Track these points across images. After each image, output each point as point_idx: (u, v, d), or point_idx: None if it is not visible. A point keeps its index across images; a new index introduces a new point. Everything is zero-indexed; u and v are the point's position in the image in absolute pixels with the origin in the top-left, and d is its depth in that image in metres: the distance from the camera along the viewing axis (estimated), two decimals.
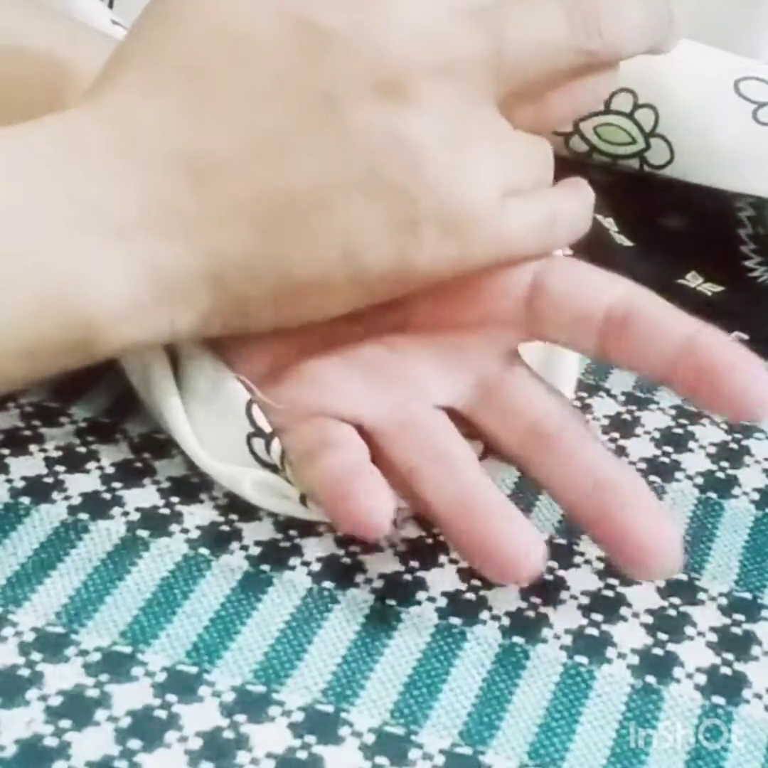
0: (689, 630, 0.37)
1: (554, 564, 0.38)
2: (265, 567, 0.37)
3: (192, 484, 0.39)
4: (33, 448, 0.40)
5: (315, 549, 0.38)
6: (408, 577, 0.37)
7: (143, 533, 0.38)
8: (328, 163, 0.36)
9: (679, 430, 0.44)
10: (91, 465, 0.39)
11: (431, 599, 0.37)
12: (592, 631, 0.36)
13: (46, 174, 0.35)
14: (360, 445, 0.37)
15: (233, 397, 0.38)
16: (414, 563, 0.38)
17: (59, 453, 0.40)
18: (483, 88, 0.36)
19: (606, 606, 0.37)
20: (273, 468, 0.37)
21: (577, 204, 0.39)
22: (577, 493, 0.36)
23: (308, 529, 0.38)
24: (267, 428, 0.37)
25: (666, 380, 0.37)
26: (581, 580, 0.38)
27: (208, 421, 0.38)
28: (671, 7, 0.39)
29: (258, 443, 0.37)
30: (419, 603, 0.37)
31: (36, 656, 0.34)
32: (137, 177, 0.35)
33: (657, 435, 0.44)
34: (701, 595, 0.38)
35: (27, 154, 0.35)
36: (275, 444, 0.37)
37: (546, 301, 0.38)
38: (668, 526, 0.35)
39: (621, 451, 0.43)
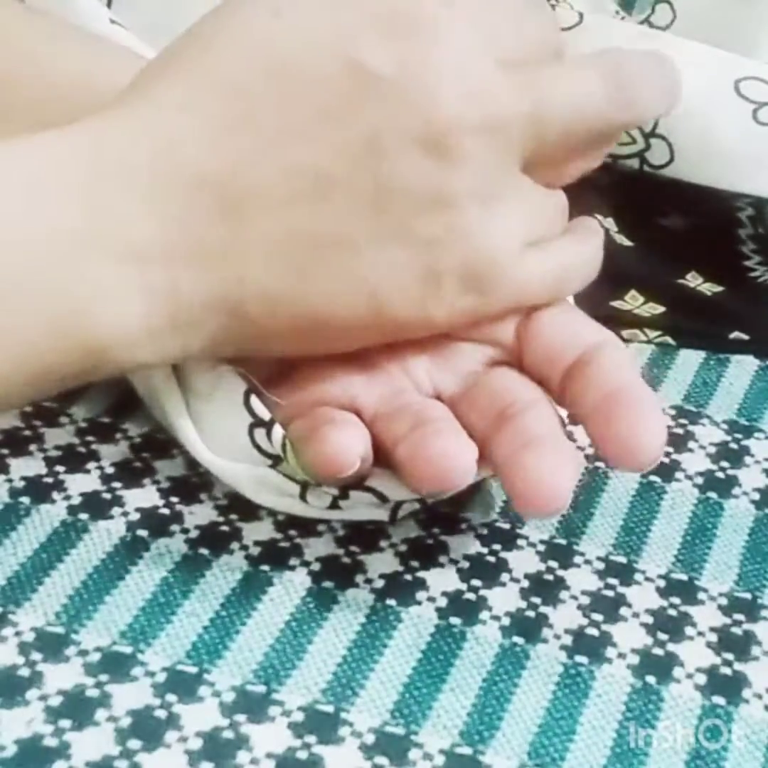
0: (689, 630, 0.37)
1: (554, 564, 0.38)
2: (265, 567, 0.37)
3: (192, 484, 0.39)
4: (33, 448, 0.40)
5: (315, 549, 0.38)
6: (408, 577, 0.37)
7: (143, 533, 0.38)
8: (364, 208, 0.35)
9: (680, 431, 0.44)
10: (91, 465, 0.39)
11: (431, 599, 0.37)
12: (592, 631, 0.36)
13: (65, 187, 0.34)
14: (362, 427, 0.37)
15: (232, 389, 0.38)
16: (414, 563, 0.38)
17: (59, 453, 0.40)
18: (518, 147, 0.37)
19: (606, 606, 0.37)
20: (275, 459, 0.37)
21: (587, 251, 0.40)
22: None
23: (308, 529, 0.38)
24: (266, 416, 0.37)
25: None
26: (581, 580, 0.38)
27: (210, 417, 0.38)
28: (678, 70, 0.40)
29: (259, 433, 0.37)
30: (419, 603, 0.37)
31: (36, 656, 0.34)
32: (162, 197, 0.35)
33: None
34: (701, 595, 0.38)
35: (46, 164, 0.34)
36: (277, 430, 0.37)
37: (530, 332, 0.38)
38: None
39: None
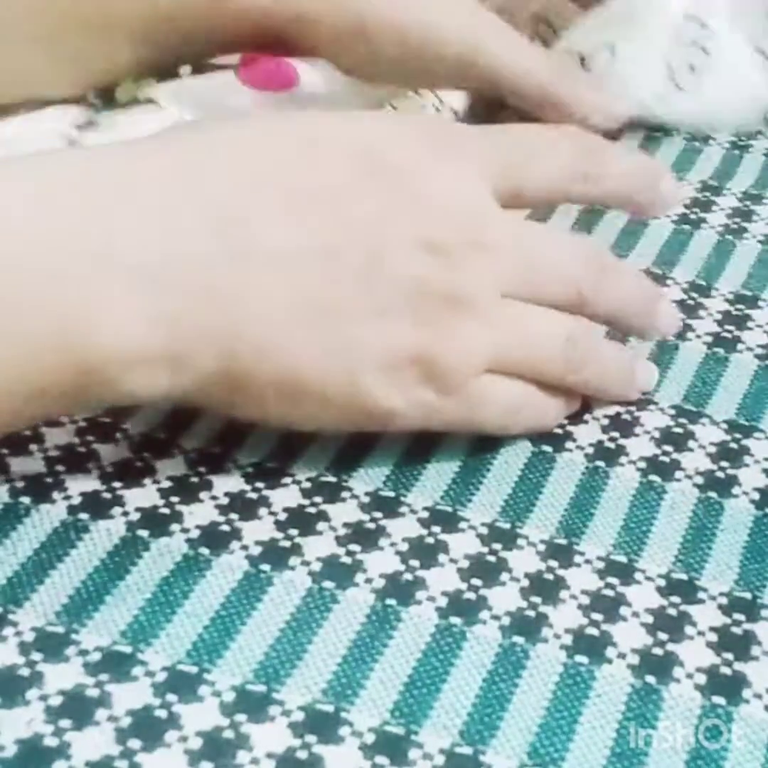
0: (689, 630, 0.37)
1: (554, 563, 0.38)
2: (265, 567, 0.37)
3: (192, 484, 0.39)
4: (33, 448, 0.40)
5: (315, 549, 0.38)
6: (408, 577, 0.37)
7: (143, 533, 0.38)
8: (359, 283, 0.38)
9: (679, 430, 0.44)
10: (91, 465, 0.39)
11: (431, 599, 0.37)
12: (592, 631, 0.36)
13: (87, 206, 0.35)
14: None
15: None
16: (414, 563, 0.38)
17: (59, 453, 0.40)
18: (508, 276, 0.40)
19: (606, 606, 0.37)
20: None
21: (551, 406, 0.42)
22: None
23: (308, 528, 0.38)
24: None
25: None
26: (581, 580, 0.38)
27: None
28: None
29: None
30: (419, 603, 0.37)
31: (36, 656, 0.34)
32: (179, 232, 0.36)
33: (657, 435, 0.44)
34: (701, 595, 0.38)
35: (71, 180, 0.35)
36: None
37: None
38: None
39: (621, 451, 0.43)
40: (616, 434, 0.44)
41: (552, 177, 0.43)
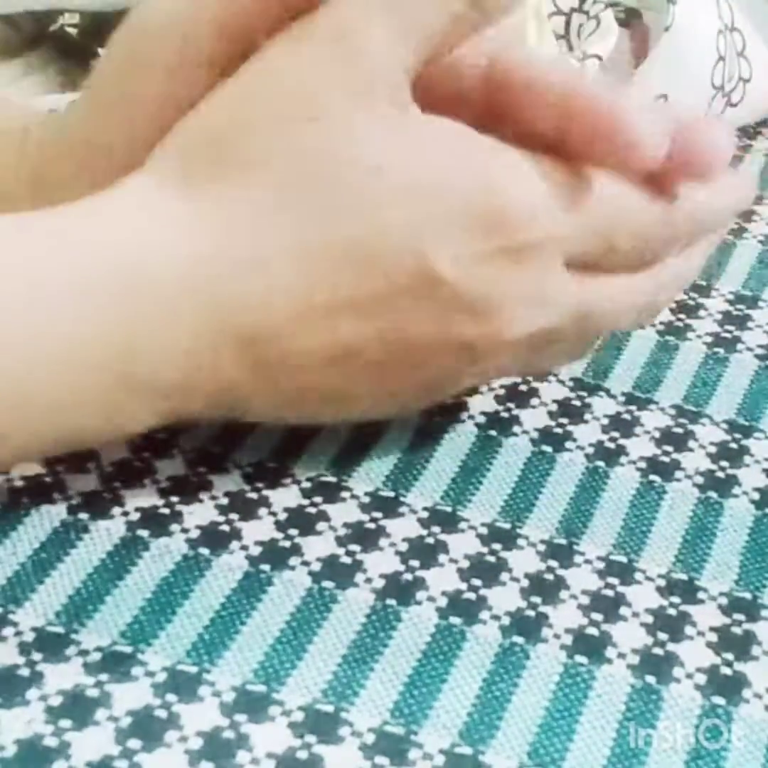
0: (689, 630, 0.37)
1: (554, 564, 0.38)
2: (265, 567, 0.37)
3: (192, 484, 0.39)
4: None
5: (315, 549, 0.38)
6: (408, 577, 0.37)
7: (143, 533, 0.38)
8: (389, 375, 0.37)
9: (679, 430, 0.44)
10: (91, 465, 0.39)
11: (431, 599, 0.37)
12: (592, 631, 0.36)
13: (103, 321, 0.33)
14: None
15: None
16: (414, 563, 0.38)
17: (59, 453, 0.40)
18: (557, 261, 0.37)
19: (606, 606, 0.37)
20: None
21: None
22: None
23: (308, 528, 0.38)
24: None
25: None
26: (581, 580, 0.38)
27: None
28: None
29: None
30: (419, 603, 0.37)
31: (36, 656, 0.34)
32: (199, 347, 0.34)
33: (657, 435, 0.44)
34: (701, 595, 0.38)
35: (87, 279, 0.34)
36: None
37: None
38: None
39: (621, 451, 0.43)
40: (616, 434, 0.44)
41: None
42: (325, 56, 0.35)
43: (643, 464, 0.42)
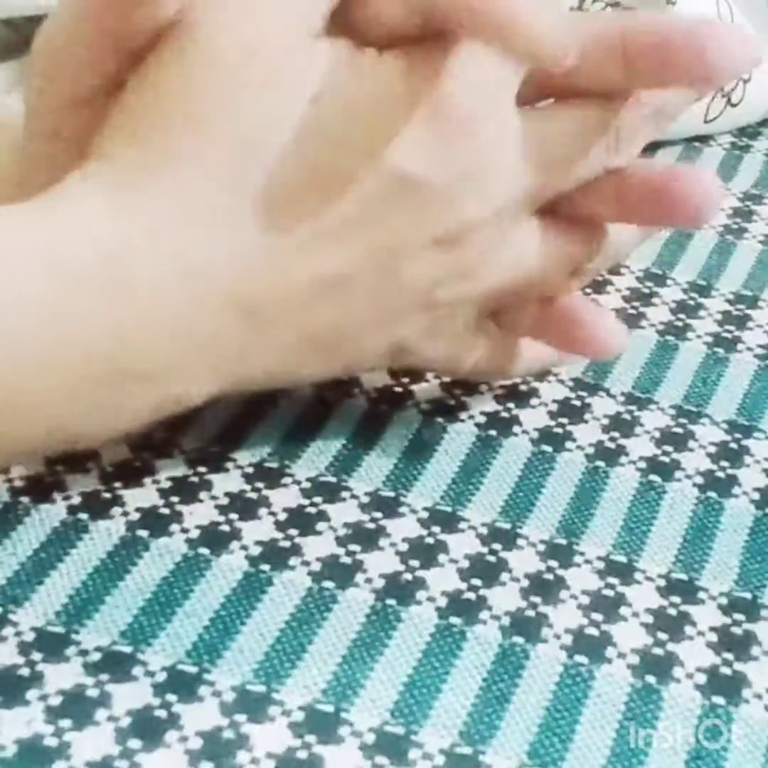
0: (689, 630, 0.37)
1: (554, 563, 0.38)
2: (265, 567, 0.37)
3: (192, 484, 0.39)
4: None
5: (315, 549, 0.38)
6: (408, 577, 0.37)
7: (143, 533, 0.38)
8: (380, 302, 0.37)
9: (679, 430, 0.44)
10: (91, 465, 0.39)
11: (431, 599, 0.37)
12: (592, 631, 0.36)
13: (90, 314, 0.33)
14: None
15: None
16: (414, 563, 0.38)
17: (59, 453, 0.40)
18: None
19: (606, 606, 0.37)
20: None
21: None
22: None
23: (308, 528, 0.38)
24: None
25: None
26: (581, 580, 0.38)
27: None
28: None
29: None
30: (419, 603, 0.37)
31: (36, 656, 0.34)
32: (187, 321, 0.34)
33: (657, 435, 0.44)
34: (701, 595, 0.38)
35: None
36: None
37: None
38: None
39: (621, 451, 0.43)
40: (616, 434, 0.44)
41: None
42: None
43: (643, 464, 0.42)
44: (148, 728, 0.32)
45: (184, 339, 0.34)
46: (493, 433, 0.43)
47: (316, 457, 0.41)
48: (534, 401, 0.45)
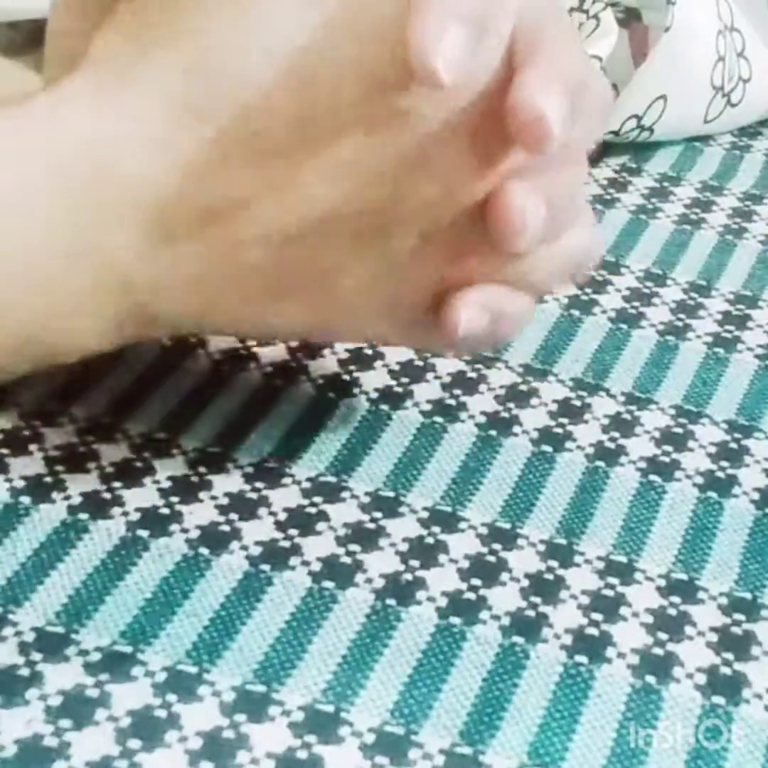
0: (689, 630, 0.37)
1: (554, 563, 0.38)
2: (265, 567, 0.37)
3: (192, 484, 0.39)
4: (33, 448, 0.40)
5: (315, 549, 0.38)
6: (408, 577, 0.37)
7: (143, 533, 0.38)
8: (365, 239, 0.35)
9: (679, 430, 0.44)
10: (91, 465, 0.39)
11: (431, 599, 0.37)
12: (592, 631, 0.36)
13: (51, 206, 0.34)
14: None
15: None
16: (414, 563, 0.38)
17: (59, 453, 0.40)
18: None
19: (606, 606, 0.37)
20: None
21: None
22: None
23: (308, 528, 0.38)
24: None
25: None
26: (581, 580, 0.38)
27: None
28: None
29: None
30: (419, 603, 0.37)
31: (36, 656, 0.34)
32: (157, 233, 0.34)
33: (657, 435, 0.44)
34: (701, 595, 0.38)
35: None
36: None
37: None
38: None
39: (621, 451, 0.43)
40: (616, 434, 0.44)
41: None
42: None
43: (643, 464, 0.42)
44: (148, 728, 0.32)
45: (158, 254, 0.34)
46: (493, 433, 0.43)
47: (316, 457, 0.41)
48: (534, 401, 0.45)
